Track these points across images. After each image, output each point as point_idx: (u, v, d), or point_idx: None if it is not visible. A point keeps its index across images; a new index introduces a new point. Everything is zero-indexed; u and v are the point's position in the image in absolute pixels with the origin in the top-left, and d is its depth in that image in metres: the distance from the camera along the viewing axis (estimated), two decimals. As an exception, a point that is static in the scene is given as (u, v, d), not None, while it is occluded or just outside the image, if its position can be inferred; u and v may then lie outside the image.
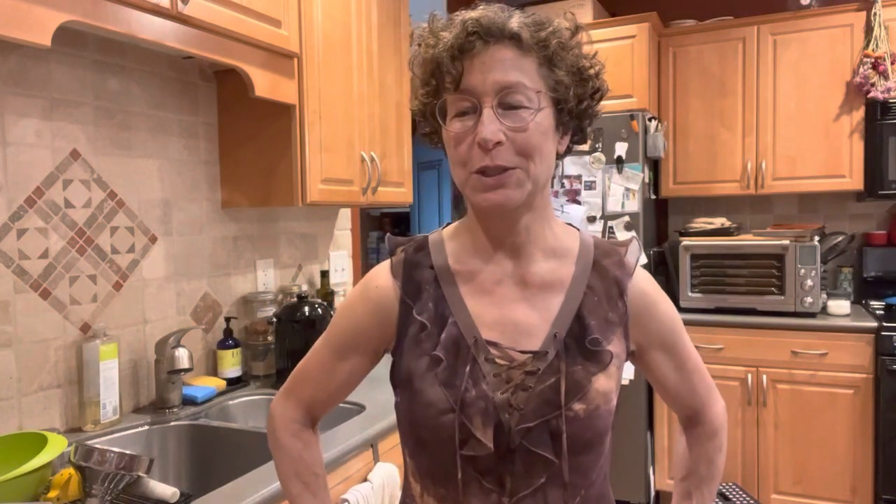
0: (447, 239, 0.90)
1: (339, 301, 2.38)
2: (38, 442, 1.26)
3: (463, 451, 0.79)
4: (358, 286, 0.93)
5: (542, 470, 0.80)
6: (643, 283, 0.89)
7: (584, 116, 0.84)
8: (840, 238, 3.04)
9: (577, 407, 0.79)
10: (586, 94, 0.83)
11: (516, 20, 0.76)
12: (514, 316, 0.83)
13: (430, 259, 0.88)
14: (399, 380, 0.86)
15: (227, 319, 1.95)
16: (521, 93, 0.76)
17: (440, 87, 0.80)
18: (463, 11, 0.79)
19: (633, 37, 3.11)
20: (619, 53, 3.12)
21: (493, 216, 0.83)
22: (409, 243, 0.92)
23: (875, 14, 2.90)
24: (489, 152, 0.75)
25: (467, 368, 0.80)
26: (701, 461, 0.99)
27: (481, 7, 0.79)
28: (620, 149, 3.02)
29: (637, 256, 0.90)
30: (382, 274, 0.90)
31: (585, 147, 3.09)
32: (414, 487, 0.88)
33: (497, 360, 0.81)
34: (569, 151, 0.87)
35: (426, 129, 0.88)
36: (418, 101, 0.85)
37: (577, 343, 0.82)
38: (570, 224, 0.92)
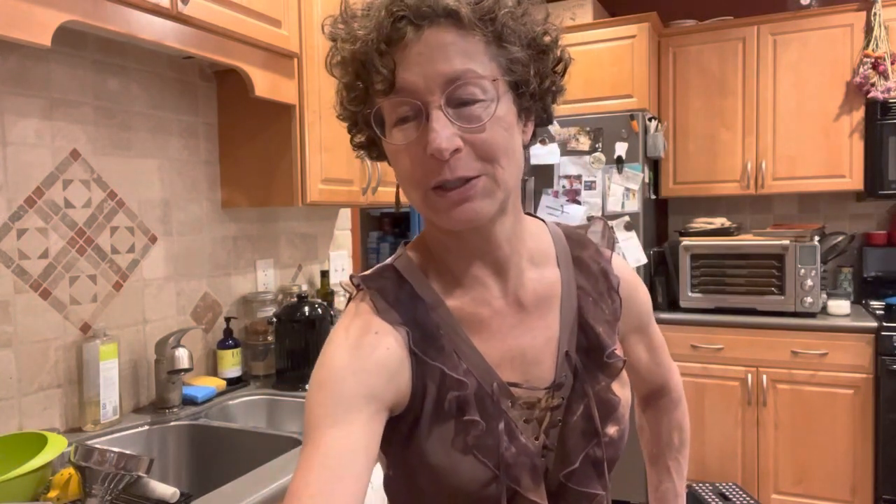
0: (419, 266, 0.73)
1: (339, 301, 2.38)
2: (38, 442, 1.26)
3: None
4: (342, 343, 0.67)
5: None
6: (624, 272, 0.82)
7: (547, 95, 0.70)
8: (840, 238, 3.04)
9: (612, 431, 0.72)
10: (548, 70, 0.68)
11: None
12: (519, 344, 0.72)
13: (418, 295, 0.71)
14: (410, 456, 0.70)
15: (227, 319, 1.95)
16: (473, 83, 0.61)
17: (370, 90, 0.64)
18: None
19: (633, 37, 3.10)
20: (619, 53, 3.12)
21: (464, 235, 0.69)
22: (377, 279, 0.72)
23: (875, 14, 2.90)
24: (446, 163, 0.61)
25: (500, 425, 0.68)
26: (673, 430, 0.97)
27: None
28: (620, 149, 3.02)
29: (611, 238, 0.82)
30: (371, 320, 0.68)
31: (585, 147, 3.09)
32: None
33: (522, 405, 0.71)
34: (534, 138, 0.73)
35: (360, 138, 0.72)
36: (346, 111, 0.69)
37: (589, 356, 0.74)
38: (531, 215, 0.80)
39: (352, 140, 0.73)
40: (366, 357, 0.65)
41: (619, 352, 0.77)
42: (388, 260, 0.76)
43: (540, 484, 0.69)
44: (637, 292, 0.85)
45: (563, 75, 0.71)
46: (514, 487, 0.68)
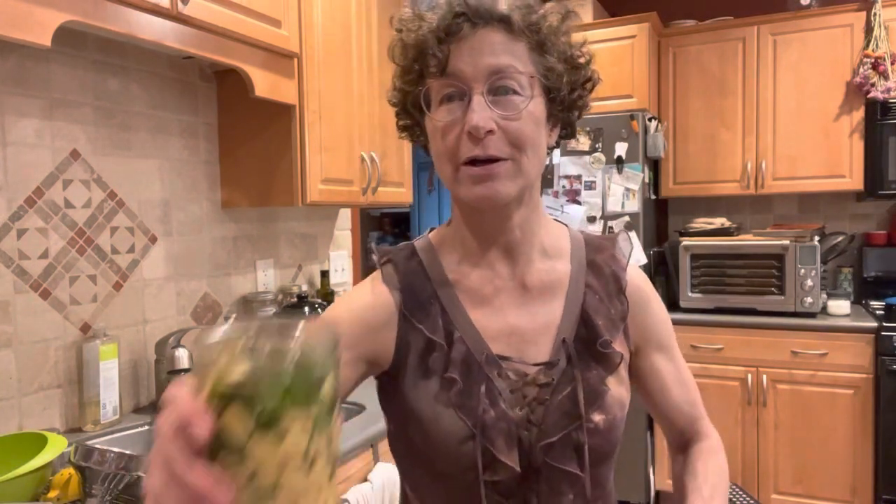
0: (436, 245, 0.84)
1: (339, 301, 2.38)
2: (38, 442, 1.26)
3: (486, 476, 0.73)
4: (343, 298, 0.82)
5: (568, 487, 0.75)
6: (638, 279, 0.85)
7: (574, 107, 0.79)
8: (840, 238, 3.04)
9: (597, 418, 0.75)
10: (578, 83, 0.78)
11: (505, 2, 0.72)
12: (517, 324, 0.78)
13: (423, 268, 0.81)
14: (400, 406, 0.78)
15: (227, 319, 1.95)
16: (513, 78, 0.71)
17: (424, 73, 0.74)
18: None
19: (633, 37, 3.11)
20: (619, 53, 3.12)
21: (484, 213, 0.77)
22: (395, 252, 0.83)
23: (875, 14, 2.90)
24: (480, 142, 0.70)
25: (482, 388, 0.74)
26: (719, 475, 0.83)
27: None
28: (620, 149, 3.02)
29: (629, 250, 0.86)
30: (374, 284, 0.81)
31: (585, 147, 3.09)
32: None
33: (510, 376, 0.76)
34: (556, 146, 0.82)
35: (405, 121, 0.82)
36: (397, 91, 0.80)
37: (586, 346, 0.78)
38: (557, 220, 0.88)
39: (398, 123, 0.83)
40: (353, 311, 0.79)
41: (617, 347, 0.79)
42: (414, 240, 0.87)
43: (513, 449, 0.73)
44: (651, 303, 0.86)
45: (590, 92, 0.80)
46: (490, 449, 0.72)
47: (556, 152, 3.12)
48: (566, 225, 0.88)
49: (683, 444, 0.90)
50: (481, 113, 0.69)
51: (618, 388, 0.78)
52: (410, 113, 0.80)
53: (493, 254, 0.80)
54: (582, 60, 0.77)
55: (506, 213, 0.77)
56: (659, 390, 0.87)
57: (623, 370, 0.80)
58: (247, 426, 0.35)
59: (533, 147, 0.73)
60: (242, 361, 0.36)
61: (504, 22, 0.71)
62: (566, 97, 0.76)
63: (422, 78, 0.75)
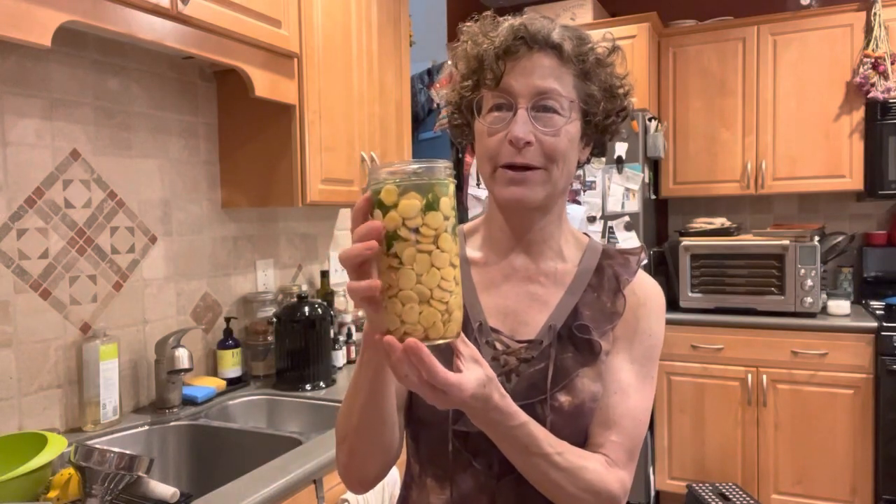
0: (466, 232, 0.96)
1: (339, 301, 2.38)
2: (38, 442, 1.26)
3: (456, 426, 0.81)
4: None
5: None
6: (642, 285, 0.88)
7: (607, 131, 0.88)
8: (840, 238, 3.04)
9: (563, 398, 0.81)
10: (613, 111, 0.86)
11: (559, 32, 0.81)
12: (515, 308, 0.87)
13: None
14: None
15: (227, 319, 1.95)
16: (556, 100, 0.79)
17: (480, 82, 0.84)
18: (511, 17, 0.84)
19: (633, 37, 3.10)
20: (619, 53, 3.11)
21: (512, 212, 0.86)
22: None
23: (875, 14, 2.90)
24: (519, 150, 0.79)
25: None
26: (580, 456, 0.79)
27: (527, 16, 0.83)
28: (620, 149, 3.02)
29: (642, 261, 0.90)
30: None
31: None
32: (414, 468, 0.91)
33: (496, 345, 0.85)
34: (587, 162, 0.91)
35: (457, 120, 0.91)
36: (455, 93, 0.89)
37: (571, 334, 0.84)
38: (585, 234, 0.95)
39: (450, 122, 0.93)
40: None
41: (601, 341, 0.84)
42: None
43: None
44: (644, 309, 0.87)
45: (622, 120, 0.89)
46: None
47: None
48: (589, 237, 0.95)
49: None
50: (523, 126, 0.78)
51: (593, 382, 0.82)
52: (463, 114, 0.89)
53: (514, 248, 0.88)
54: (621, 91, 0.86)
55: (531, 215, 0.86)
56: (602, 385, 0.83)
57: (603, 367, 0.84)
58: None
59: (564, 161, 0.81)
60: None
61: (556, 49, 0.80)
62: (601, 122, 0.85)
63: (477, 86, 0.84)
